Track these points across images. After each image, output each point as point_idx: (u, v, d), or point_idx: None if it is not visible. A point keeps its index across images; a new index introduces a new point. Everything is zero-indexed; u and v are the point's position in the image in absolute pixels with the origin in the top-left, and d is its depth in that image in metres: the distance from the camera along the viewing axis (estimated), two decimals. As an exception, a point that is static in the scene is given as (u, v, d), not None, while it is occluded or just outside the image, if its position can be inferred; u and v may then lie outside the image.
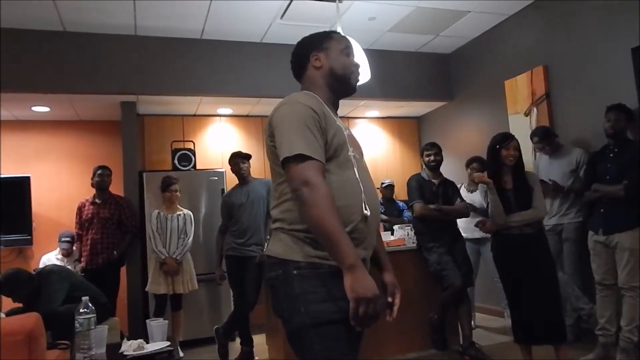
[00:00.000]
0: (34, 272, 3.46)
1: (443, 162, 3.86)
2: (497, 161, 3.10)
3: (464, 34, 5.05)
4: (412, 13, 4.44)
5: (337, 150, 1.41)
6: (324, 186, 1.29)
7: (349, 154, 1.45)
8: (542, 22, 4.29)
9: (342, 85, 1.55)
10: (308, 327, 1.31)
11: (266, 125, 1.45)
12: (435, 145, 3.85)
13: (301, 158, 1.29)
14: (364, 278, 1.24)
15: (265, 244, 3.88)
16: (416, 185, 3.70)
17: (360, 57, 3.16)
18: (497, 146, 3.09)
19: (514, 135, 3.16)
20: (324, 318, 1.31)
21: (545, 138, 3.80)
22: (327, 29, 1.67)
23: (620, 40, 3.56)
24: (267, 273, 1.44)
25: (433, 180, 3.74)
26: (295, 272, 1.35)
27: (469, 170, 4.50)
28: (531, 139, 3.91)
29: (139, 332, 3.95)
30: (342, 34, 3.14)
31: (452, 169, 4.59)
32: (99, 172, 4.40)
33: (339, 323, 1.31)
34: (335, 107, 1.56)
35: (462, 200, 3.76)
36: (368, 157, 5.23)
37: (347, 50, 1.57)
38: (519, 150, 3.09)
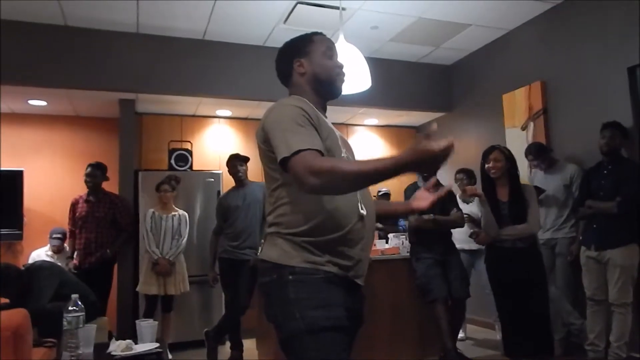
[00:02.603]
0: (23, 268, 3.42)
1: (439, 173, 3.84)
2: (487, 175, 3.15)
3: (464, 47, 5.08)
4: (414, 24, 4.47)
5: (331, 152, 1.40)
6: (324, 159, 1.26)
7: (342, 155, 1.45)
8: (541, 39, 4.34)
9: (328, 89, 1.54)
10: (302, 333, 1.30)
11: (258, 130, 1.44)
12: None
13: (298, 153, 1.27)
14: (415, 150, 1.15)
15: (260, 247, 3.86)
16: (411, 195, 3.64)
17: (361, 65, 3.17)
18: (482, 161, 3.19)
19: (495, 146, 3.21)
20: (318, 324, 1.29)
21: (539, 155, 3.83)
22: (330, 36, 1.66)
23: (616, 60, 3.62)
24: (261, 278, 1.43)
25: None
26: (290, 277, 1.34)
27: (457, 182, 4.54)
28: (526, 156, 3.94)
29: (128, 332, 3.90)
30: (344, 41, 3.15)
31: (446, 180, 4.59)
32: (87, 171, 4.30)
33: (333, 330, 1.31)
34: (323, 109, 1.55)
35: (459, 209, 3.74)
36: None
37: (330, 51, 1.55)
38: (504, 160, 3.13)
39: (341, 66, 1.57)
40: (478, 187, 3.31)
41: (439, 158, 1.16)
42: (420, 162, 1.16)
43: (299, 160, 1.25)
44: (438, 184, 1.61)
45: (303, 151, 1.26)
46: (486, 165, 3.15)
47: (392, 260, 3.79)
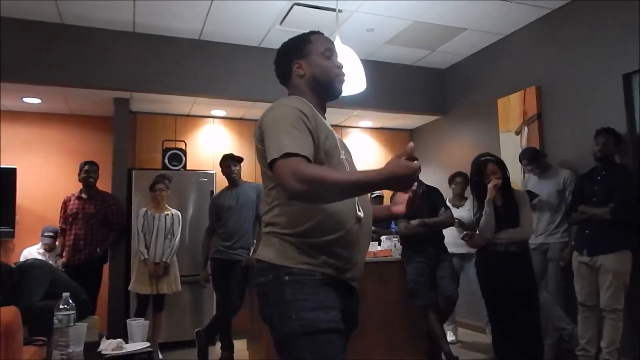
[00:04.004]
0: (14, 266, 3.40)
1: (433, 176, 3.85)
2: (480, 181, 3.17)
3: (460, 51, 5.11)
4: (410, 27, 4.49)
5: (329, 154, 1.40)
6: (310, 166, 1.26)
7: (341, 157, 1.45)
8: (537, 44, 4.37)
9: (327, 90, 1.53)
10: (298, 334, 1.29)
11: (255, 129, 1.43)
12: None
13: (287, 156, 1.26)
14: (393, 168, 1.18)
15: (252, 248, 3.86)
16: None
17: (356, 67, 3.18)
18: (475, 170, 3.22)
19: (488, 159, 3.21)
20: (314, 326, 1.29)
21: (533, 160, 3.84)
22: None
23: (611, 66, 3.64)
24: (257, 278, 1.42)
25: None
26: (286, 278, 1.34)
27: (453, 185, 4.55)
28: (520, 161, 3.95)
29: (119, 332, 3.88)
30: (340, 43, 3.16)
31: (442, 183, 4.62)
32: (85, 168, 4.34)
33: (329, 332, 1.30)
34: (323, 110, 1.54)
35: (447, 208, 3.73)
36: (359, 167, 5.24)
37: (328, 52, 1.54)
38: (499, 171, 3.15)
39: (340, 66, 1.55)
40: (468, 193, 3.31)
41: (414, 176, 1.19)
42: (400, 178, 1.18)
43: (286, 164, 1.25)
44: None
45: (292, 155, 1.25)
46: (486, 181, 3.13)
47: (384, 262, 3.79)
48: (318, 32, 1.59)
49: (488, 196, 3.12)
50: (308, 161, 1.27)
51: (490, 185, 3.12)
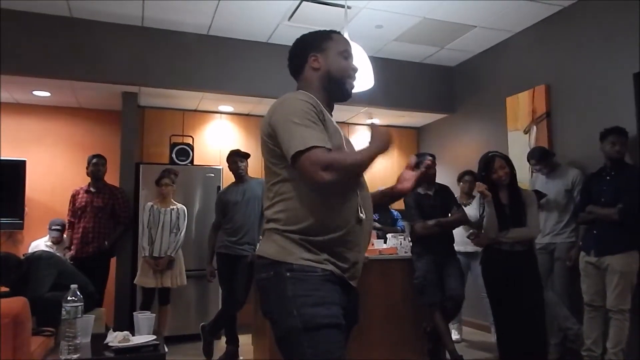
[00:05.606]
0: (23, 257, 3.44)
1: (439, 175, 3.84)
2: (489, 180, 3.17)
3: (469, 48, 5.08)
4: (419, 24, 4.47)
5: None
6: (332, 154, 1.31)
7: None
8: (547, 42, 4.33)
9: (337, 89, 1.53)
10: (299, 330, 1.30)
11: (263, 123, 1.43)
12: (432, 156, 3.81)
13: (308, 150, 1.28)
14: (380, 138, 1.42)
15: (258, 243, 3.87)
16: (414, 204, 3.61)
17: (364, 64, 3.17)
18: (483, 167, 3.23)
19: (496, 155, 3.22)
20: (315, 322, 1.30)
21: (542, 159, 3.82)
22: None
23: (622, 66, 3.60)
24: (258, 274, 1.43)
25: (429, 192, 3.72)
26: (287, 274, 1.34)
27: (461, 183, 4.54)
28: (528, 160, 3.93)
29: (125, 324, 3.92)
30: (349, 39, 3.15)
31: (448, 182, 4.59)
32: (94, 161, 4.38)
33: (330, 327, 1.31)
34: (330, 108, 1.55)
35: (459, 206, 3.72)
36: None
37: (346, 53, 1.55)
38: (507, 167, 3.16)
39: (355, 69, 1.56)
40: (475, 191, 3.32)
41: (391, 137, 1.43)
42: (387, 142, 1.40)
43: (311, 157, 1.27)
44: (418, 164, 1.61)
45: (315, 148, 1.28)
46: (494, 175, 3.15)
47: (389, 260, 3.79)
48: (339, 32, 1.60)
49: (485, 198, 3.14)
50: (327, 151, 1.31)
51: (479, 190, 3.17)
